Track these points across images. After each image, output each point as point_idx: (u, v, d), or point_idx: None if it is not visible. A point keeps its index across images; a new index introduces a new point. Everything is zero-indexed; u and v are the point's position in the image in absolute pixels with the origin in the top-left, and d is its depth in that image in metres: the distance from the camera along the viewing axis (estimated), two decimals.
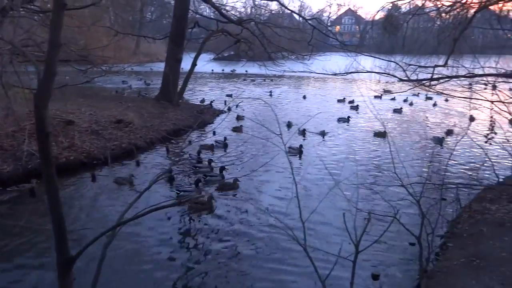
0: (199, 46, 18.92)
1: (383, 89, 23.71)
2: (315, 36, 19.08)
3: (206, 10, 30.06)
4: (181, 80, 18.41)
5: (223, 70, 38.14)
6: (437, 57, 9.37)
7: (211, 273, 5.53)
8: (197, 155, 10.52)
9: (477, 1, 8.90)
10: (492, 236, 5.61)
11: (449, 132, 14.01)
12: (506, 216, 6.11)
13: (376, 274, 5.47)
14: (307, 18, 21.14)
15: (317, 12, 46.10)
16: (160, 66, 19.38)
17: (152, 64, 35.89)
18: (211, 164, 9.79)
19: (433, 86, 7.70)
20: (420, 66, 8.28)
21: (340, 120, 16.03)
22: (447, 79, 6.91)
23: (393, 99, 21.53)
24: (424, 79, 7.08)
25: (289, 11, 22.07)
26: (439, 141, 12.50)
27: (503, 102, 6.59)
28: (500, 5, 8.80)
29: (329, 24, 39.53)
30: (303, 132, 13.40)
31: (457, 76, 6.90)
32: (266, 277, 5.46)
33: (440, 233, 6.35)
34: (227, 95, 21.98)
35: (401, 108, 18.60)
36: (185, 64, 18.69)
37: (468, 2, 8.90)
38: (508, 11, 7.42)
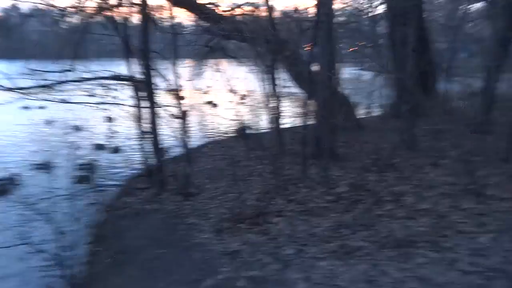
0: None
1: None
2: None
3: None
4: None
5: None
6: (70, 62, 9.09)
7: None
8: None
9: (90, 8, 9.18)
10: (131, 227, 6.04)
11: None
12: (139, 205, 6.76)
13: None
14: None
15: None
16: None
17: None
18: None
19: (54, 92, 7.46)
20: (41, 72, 7.79)
21: None
22: (58, 84, 6.85)
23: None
24: (33, 86, 6.70)
25: None
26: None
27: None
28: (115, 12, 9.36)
29: None
30: None
31: (70, 81, 6.93)
32: None
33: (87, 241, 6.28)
34: None
35: None
36: None
37: (82, 8, 9.06)
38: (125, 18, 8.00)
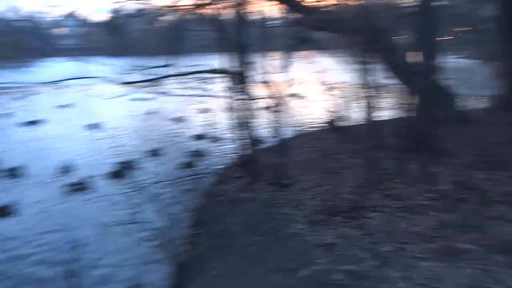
0: None
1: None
2: (36, 40, 16.88)
3: None
4: None
5: None
6: (168, 57, 9.78)
7: None
8: None
9: (186, 6, 9.78)
10: (227, 213, 6.34)
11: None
12: (235, 193, 7.05)
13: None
14: (19, 19, 18.41)
15: (34, 14, 41.31)
16: None
17: None
18: None
19: (156, 86, 8.11)
20: (145, 68, 8.50)
21: None
22: (161, 78, 7.40)
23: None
24: (140, 81, 7.33)
25: None
26: None
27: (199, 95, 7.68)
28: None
29: (51, 27, 36.27)
30: None
31: (171, 75, 7.45)
32: None
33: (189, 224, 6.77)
34: None
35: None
36: None
37: (178, 7, 9.68)
38: (217, 13, 8.39)
